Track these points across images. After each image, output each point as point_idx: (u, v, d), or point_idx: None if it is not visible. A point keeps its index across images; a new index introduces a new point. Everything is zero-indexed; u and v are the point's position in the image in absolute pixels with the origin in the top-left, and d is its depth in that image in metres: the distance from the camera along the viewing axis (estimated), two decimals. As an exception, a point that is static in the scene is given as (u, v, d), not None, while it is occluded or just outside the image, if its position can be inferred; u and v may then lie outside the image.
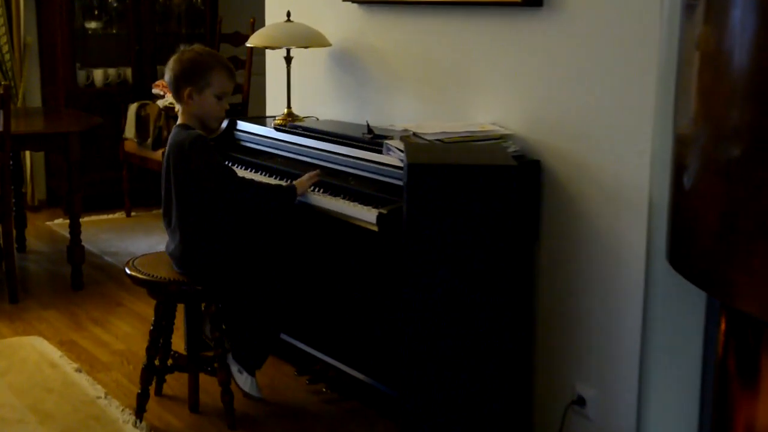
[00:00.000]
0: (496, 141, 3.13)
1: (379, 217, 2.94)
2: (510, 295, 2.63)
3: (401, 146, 3.06)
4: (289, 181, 3.34)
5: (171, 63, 3.21)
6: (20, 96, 6.33)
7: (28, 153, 6.33)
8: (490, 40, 3.26)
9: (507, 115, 3.22)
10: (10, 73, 6.26)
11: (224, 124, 3.97)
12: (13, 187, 4.88)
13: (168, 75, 3.23)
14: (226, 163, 3.73)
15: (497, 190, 2.57)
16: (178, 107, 3.28)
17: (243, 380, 3.29)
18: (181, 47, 3.28)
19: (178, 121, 3.26)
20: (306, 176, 3.32)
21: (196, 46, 3.27)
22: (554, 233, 3.08)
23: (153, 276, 3.23)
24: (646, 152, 2.78)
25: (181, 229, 3.19)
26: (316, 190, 3.30)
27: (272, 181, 3.44)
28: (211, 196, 3.15)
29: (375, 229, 2.97)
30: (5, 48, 6.22)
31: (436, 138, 3.10)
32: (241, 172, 3.62)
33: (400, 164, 3.05)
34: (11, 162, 4.67)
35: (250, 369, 3.32)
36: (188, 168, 3.12)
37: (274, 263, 3.33)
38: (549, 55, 3.05)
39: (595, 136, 2.93)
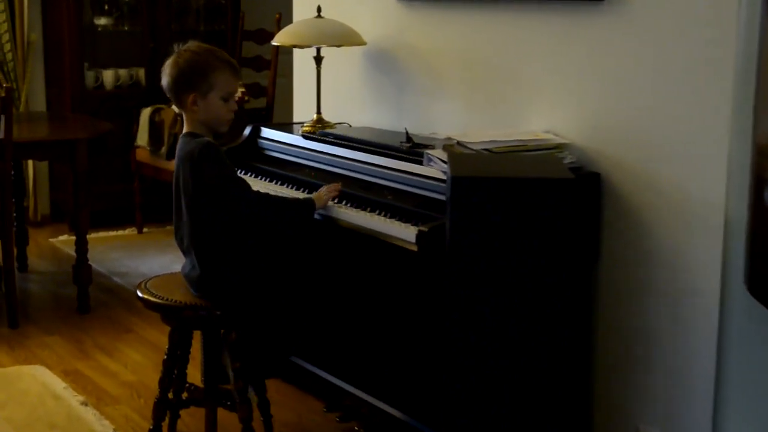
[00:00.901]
0: (551, 151, 3.11)
1: (419, 235, 2.93)
2: (566, 324, 2.61)
3: (444, 157, 3.05)
4: (303, 190, 3.35)
5: (167, 68, 3.20)
6: (23, 99, 6.40)
7: (30, 162, 6.41)
8: (544, 38, 3.25)
9: (563, 122, 3.20)
10: (12, 74, 6.35)
11: (247, 131, 3.99)
12: (14, 200, 4.93)
13: (165, 81, 3.21)
14: (247, 174, 3.75)
15: (552, 206, 2.55)
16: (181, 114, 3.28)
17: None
18: (175, 48, 3.26)
19: (184, 130, 3.27)
20: (324, 189, 3.34)
21: (192, 45, 3.24)
22: (616, 254, 3.06)
23: (167, 299, 3.24)
24: (721, 164, 2.75)
25: (196, 248, 3.20)
26: (348, 204, 3.29)
27: (298, 194, 3.44)
28: (225, 212, 3.15)
29: (414, 249, 2.96)
30: (7, 46, 6.30)
31: (483, 147, 3.09)
32: (265, 185, 3.63)
33: (443, 177, 3.05)
34: (12, 172, 4.72)
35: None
36: (200, 180, 3.13)
37: (301, 285, 3.33)
38: (611, 55, 3.03)
39: (663, 146, 2.91)
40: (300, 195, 3.44)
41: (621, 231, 3.04)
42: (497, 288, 2.59)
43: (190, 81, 3.17)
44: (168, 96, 3.27)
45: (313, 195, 3.32)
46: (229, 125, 3.28)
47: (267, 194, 3.26)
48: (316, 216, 3.30)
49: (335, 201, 3.32)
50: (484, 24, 3.48)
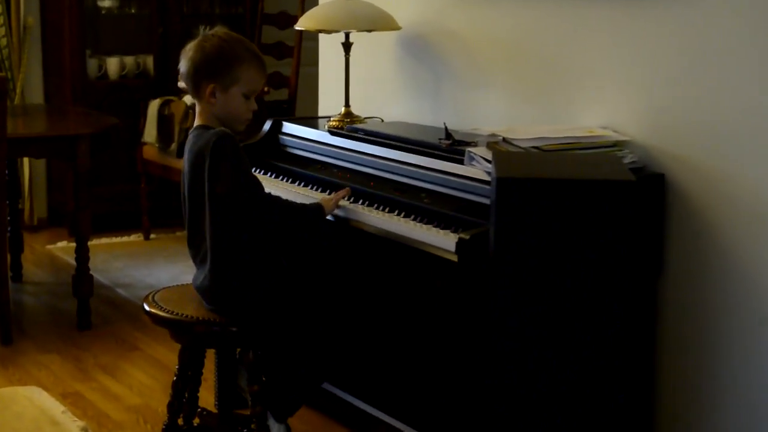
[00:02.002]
0: (609, 149, 3.10)
1: (460, 243, 2.93)
2: (625, 346, 2.59)
3: (488, 155, 3.05)
4: (328, 192, 3.36)
5: (190, 51, 3.23)
6: (18, 90, 6.45)
7: (26, 160, 6.45)
8: (601, 23, 3.24)
9: (622, 117, 3.19)
10: (6, 63, 6.40)
11: (267, 126, 4.00)
12: (7, 203, 4.97)
13: (186, 65, 3.24)
14: (267, 174, 3.76)
15: (610, 211, 2.54)
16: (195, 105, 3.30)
17: (272, 428, 3.30)
18: (201, 30, 3.28)
19: (195, 123, 3.28)
20: (333, 195, 3.38)
21: (220, 31, 3.27)
22: (682, 265, 3.04)
23: (177, 314, 3.25)
24: (802, 165, 2.73)
25: (213, 255, 3.21)
26: (379, 208, 3.29)
27: (323, 197, 3.45)
28: (234, 216, 3.17)
29: (454, 258, 2.95)
30: (1, 31, 6.36)
31: (531, 145, 3.08)
32: (286, 186, 3.64)
33: (487, 178, 3.04)
34: (6, 171, 4.76)
35: (281, 416, 3.32)
36: (217, 174, 3.13)
37: (326, 298, 3.33)
38: (678, 43, 3.01)
39: (735, 145, 2.89)
40: (317, 195, 3.45)
41: (689, 241, 3.02)
42: (547, 304, 2.58)
43: (213, 69, 3.19)
44: (183, 83, 3.28)
45: (321, 199, 3.35)
46: (245, 126, 3.30)
47: (278, 197, 3.28)
48: (331, 218, 3.32)
49: (364, 204, 3.32)
50: (534, 7, 3.47)
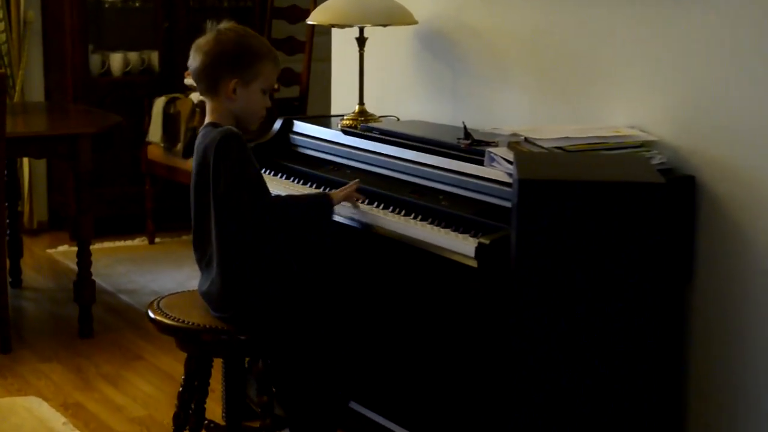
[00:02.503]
0: (636, 150, 3.09)
1: (480, 248, 2.92)
2: (653, 355, 2.59)
3: (509, 156, 3.05)
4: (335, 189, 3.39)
5: (206, 44, 3.24)
6: (18, 87, 6.48)
7: (26, 161, 6.48)
8: (629, 17, 3.23)
9: (651, 116, 3.18)
10: (6, 59, 6.43)
11: (277, 125, 4.01)
12: (6, 205, 4.98)
13: (201, 60, 3.25)
14: (277, 175, 3.77)
15: (638, 215, 2.53)
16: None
17: None
18: (209, 25, 3.30)
19: (207, 120, 3.30)
20: (343, 188, 3.39)
21: (233, 25, 3.30)
22: (713, 272, 3.03)
23: (183, 321, 3.26)
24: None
25: (221, 258, 3.22)
26: (394, 211, 3.29)
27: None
28: (236, 221, 3.18)
29: (473, 264, 2.95)
30: (0, 26, 6.38)
31: (555, 145, 3.07)
32: (297, 188, 3.64)
33: (508, 180, 3.04)
34: (5, 172, 4.77)
35: None
36: (227, 173, 3.15)
37: (339, 305, 3.34)
38: (710, 37, 3.00)
39: (770, 145, 2.88)
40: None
41: (720, 247, 3.01)
42: (571, 313, 2.57)
43: (235, 64, 3.22)
44: (196, 78, 3.28)
45: (331, 192, 3.38)
46: (259, 123, 3.32)
47: (278, 197, 3.30)
48: (344, 220, 3.33)
49: (379, 207, 3.32)
50: (558, 1, 3.46)
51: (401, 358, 3.59)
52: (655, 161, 3.04)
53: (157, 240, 6.42)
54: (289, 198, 3.35)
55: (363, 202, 3.38)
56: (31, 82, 6.66)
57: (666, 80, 3.15)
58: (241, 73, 3.22)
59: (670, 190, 2.80)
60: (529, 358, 2.61)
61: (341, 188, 3.40)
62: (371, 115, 3.88)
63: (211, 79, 3.25)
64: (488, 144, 3.26)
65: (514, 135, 3.20)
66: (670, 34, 3.12)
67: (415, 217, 3.24)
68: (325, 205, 3.33)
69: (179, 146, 6.07)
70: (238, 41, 3.24)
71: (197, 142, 3.27)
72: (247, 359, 3.42)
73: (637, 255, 2.54)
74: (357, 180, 3.43)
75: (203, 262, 3.31)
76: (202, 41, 3.26)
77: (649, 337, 2.58)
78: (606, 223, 2.54)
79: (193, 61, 3.27)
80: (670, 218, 2.93)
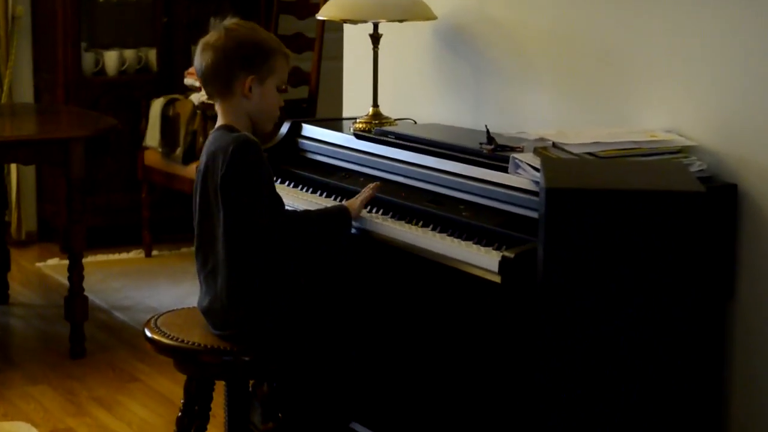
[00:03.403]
0: (674, 156, 3.09)
1: (503, 262, 2.92)
2: (691, 376, 2.58)
3: (536, 162, 3.04)
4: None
5: (218, 41, 3.25)
6: (5, 88, 6.50)
7: (13, 167, 6.49)
8: (666, 12, 3.23)
9: (689, 120, 3.18)
10: (-8, 57, 6.45)
11: (284, 128, 4.02)
12: (-7, 214, 5.01)
13: (212, 58, 3.25)
14: (284, 183, 3.78)
15: (675, 226, 2.53)
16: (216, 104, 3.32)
17: None
18: (213, 22, 3.32)
19: (219, 122, 3.31)
20: (358, 195, 3.40)
21: (240, 20, 3.32)
22: (757, 288, 3.02)
23: (182, 341, 3.26)
24: None
25: (228, 273, 3.22)
26: (411, 221, 3.29)
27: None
28: (250, 236, 3.18)
29: (496, 279, 2.95)
30: (-13, 22, 6.41)
31: (585, 151, 3.07)
32: (306, 197, 3.64)
33: (535, 188, 3.04)
34: (-9, 179, 4.80)
35: None
36: (238, 183, 3.16)
37: (350, 323, 3.34)
38: (754, 35, 3.00)
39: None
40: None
41: (764, 260, 3.00)
42: (603, 331, 2.57)
43: (250, 60, 3.25)
44: (205, 78, 3.28)
45: (346, 202, 3.38)
46: (274, 123, 3.35)
47: (294, 212, 3.30)
48: (356, 231, 3.33)
49: (394, 217, 3.32)
50: (588, -7, 3.48)
51: (416, 379, 3.59)
52: (694, 168, 3.03)
53: (154, 253, 6.43)
54: (306, 213, 3.35)
55: (378, 212, 3.38)
56: (20, 81, 6.68)
57: (706, 80, 3.14)
58: (256, 70, 3.25)
59: (710, 199, 2.79)
60: (557, 380, 2.60)
61: (357, 196, 3.40)
62: (386, 117, 3.89)
63: (223, 78, 3.26)
64: (513, 149, 3.26)
65: (541, 140, 3.19)
66: (711, 30, 3.11)
67: (433, 229, 3.24)
68: (344, 218, 3.33)
69: (178, 151, 6.07)
70: (251, 36, 3.28)
71: (207, 144, 3.29)
72: (251, 382, 3.43)
73: (674, 269, 2.53)
74: (376, 183, 3.43)
75: (204, 274, 3.31)
76: (211, 38, 3.27)
77: (687, 357, 2.58)
78: (641, 235, 2.53)
79: (202, 59, 3.27)
80: (710, 230, 2.92)
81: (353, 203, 3.37)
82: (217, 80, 3.27)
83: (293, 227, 3.24)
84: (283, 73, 3.31)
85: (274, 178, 3.78)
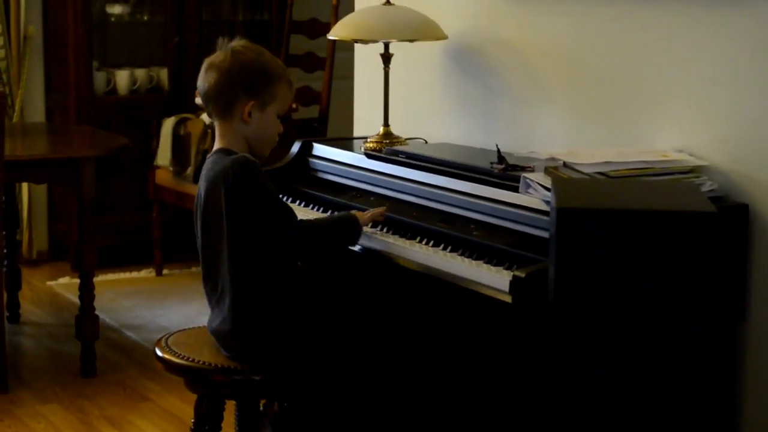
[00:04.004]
0: (685, 176, 3.09)
1: (514, 282, 2.92)
2: (703, 399, 2.57)
3: (546, 182, 3.04)
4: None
5: (223, 62, 3.25)
6: (17, 107, 6.52)
7: (25, 186, 6.51)
8: (676, 32, 3.23)
9: (700, 140, 3.18)
10: (4, 76, 6.47)
11: (295, 148, 4.02)
12: (4, 233, 5.01)
13: (215, 78, 3.26)
14: (295, 202, 3.78)
15: (687, 246, 2.52)
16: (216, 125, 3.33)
17: None
18: (221, 42, 3.32)
19: (217, 145, 3.32)
20: (368, 211, 3.42)
21: (247, 43, 3.32)
22: (769, 310, 3.02)
23: (193, 360, 3.26)
24: None
25: (233, 293, 3.22)
26: (421, 241, 3.29)
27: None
28: (269, 246, 3.18)
29: (507, 299, 2.94)
30: (-1, 42, 6.43)
31: (596, 171, 3.07)
32: (317, 216, 3.64)
33: (546, 208, 3.03)
34: (3, 198, 4.80)
35: None
36: (238, 205, 3.16)
37: (360, 343, 3.33)
38: (765, 55, 3.00)
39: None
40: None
41: (776, 280, 3.00)
42: (615, 353, 2.56)
43: (252, 85, 3.24)
44: (207, 99, 3.29)
45: (355, 212, 3.40)
46: (270, 151, 3.35)
47: (308, 221, 3.31)
48: (375, 254, 3.33)
49: (405, 237, 3.32)
50: (599, 13, 3.47)
51: (427, 398, 3.58)
52: (705, 188, 3.03)
53: (165, 272, 6.43)
54: (317, 221, 3.36)
55: (389, 232, 3.38)
56: (32, 101, 6.71)
57: (717, 100, 3.14)
58: (258, 96, 3.24)
59: (721, 219, 2.78)
60: (569, 402, 2.59)
61: (366, 211, 3.41)
62: (397, 137, 3.89)
63: (224, 100, 3.25)
64: (524, 169, 3.26)
65: (552, 159, 3.19)
66: (722, 50, 3.11)
67: (444, 248, 3.23)
68: (353, 224, 3.33)
69: (189, 170, 6.08)
70: (256, 60, 3.26)
71: (205, 169, 3.28)
72: (262, 401, 3.42)
73: (685, 290, 2.53)
74: (383, 208, 3.44)
75: (213, 298, 3.31)
76: (216, 58, 3.27)
77: (699, 379, 2.57)
78: (652, 255, 2.53)
79: (205, 79, 3.27)
80: (722, 250, 2.91)
81: (362, 214, 3.38)
82: (219, 101, 3.27)
83: (309, 234, 3.25)
84: (285, 101, 3.31)
85: (285, 197, 3.80)
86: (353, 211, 3.39)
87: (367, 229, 3.39)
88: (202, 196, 3.27)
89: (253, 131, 3.28)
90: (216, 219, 3.23)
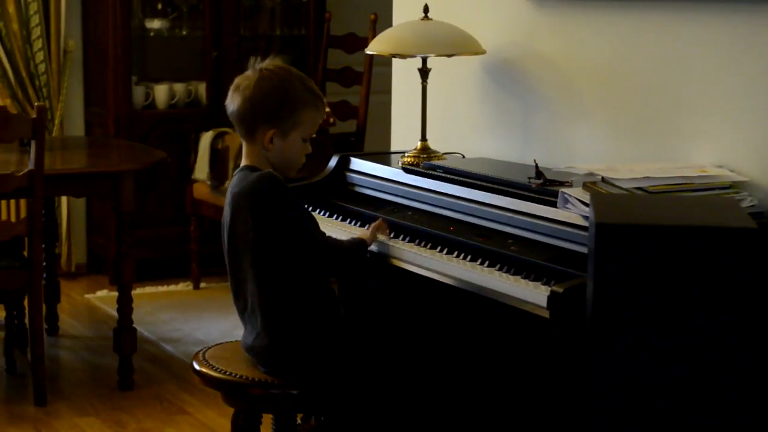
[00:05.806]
0: (725, 191, 3.07)
1: (552, 297, 2.91)
2: (744, 416, 2.55)
3: (585, 197, 3.03)
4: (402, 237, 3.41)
5: (246, 89, 3.26)
6: (57, 121, 6.56)
7: (64, 200, 6.55)
8: (718, 46, 3.22)
9: (740, 155, 3.16)
10: (44, 90, 6.51)
11: (332, 162, 4.02)
12: (43, 246, 5.04)
13: (238, 103, 3.27)
14: (332, 217, 3.78)
15: (727, 262, 2.51)
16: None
17: None
18: (252, 62, 3.33)
19: (243, 163, 3.33)
20: (368, 227, 3.48)
21: (275, 65, 3.32)
22: (810, 327, 2.99)
23: (230, 374, 3.27)
24: None
25: (263, 309, 3.23)
26: (458, 256, 3.29)
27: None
28: (297, 259, 3.20)
29: (545, 314, 2.93)
30: (39, 56, 6.47)
31: (635, 186, 3.06)
32: (354, 231, 3.65)
33: (584, 223, 3.02)
34: (43, 211, 4.83)
35: None
36: (267, 218, 3.18)
37: (396, 355, 3.33)
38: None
39: None
40: (380, 237, 3.50)
41: (817, 296, 2.97)
42: (654, 369, 2.55)
43: (274, 113, 3.25)
44: (232, 120, 3.32)
45: (362, 234, 3.45)
46: (297, 170, 3.37)
47: (330, 237, 3.38)
48: (413, 269, 3.36)
49: (442, 251, 3.31)
50: (638, 28, 3.46)
51: (464, 412, 3.58)
52: (745, 204, 3.01)
53: (202, 285, 6.45)
54: (333, 239, 3.40)
55: (427, 246, 3.37)
56: (71, 115, 6.75)
57: (757, 115, 3.12)
58: (279, 124, 3.25)
59: (761, 235, 2.77)
60: (608, 417, 2.58)
61: (369, 229, 3.49)
62: (434, 152, 3.89)
63: (247, 126, 3.28)
64: (562, 184, 3.26)
65: (590, 174, 3.18)
66: (762, 64, 3.10)
67: (482, 263, 3.23)
68: (361, 244, 3.39)
69: (227, 184, 6.09)
70: (280, 87, 3.26)
71: (231, 186, 3.30)
72: (299, 415, 3.42)
73: (725, 307, 2.51)
74: (380, 219, 3.53)
75: (246, 314, 3.33)
76: (242, 83, 3.28)
77: (740, 395, 2.55)
78: (691, 272, 2.52)
79: (231, 102, 3.30)
80: (762, 267, 2.90)
81: (365, 232, 3.45)
82: (242, 126, 3.30)
83: (331, 248, 3.30)
84: (311, 124, 3.31)
85: (323, 212, 3.81)
86: (362, 234, 3.45)
87: (404, 244, 3.40)
88: (229, 213, 3.29)
89: (274, 156, 3.29)
90: (242, 235, 3.24)
